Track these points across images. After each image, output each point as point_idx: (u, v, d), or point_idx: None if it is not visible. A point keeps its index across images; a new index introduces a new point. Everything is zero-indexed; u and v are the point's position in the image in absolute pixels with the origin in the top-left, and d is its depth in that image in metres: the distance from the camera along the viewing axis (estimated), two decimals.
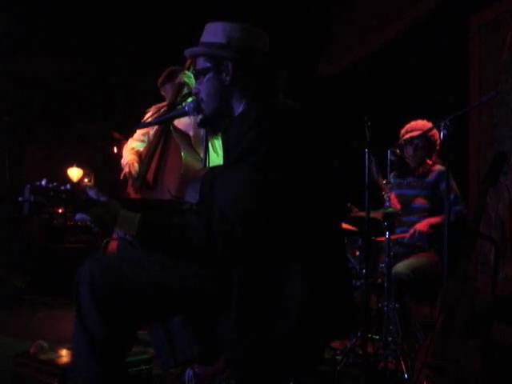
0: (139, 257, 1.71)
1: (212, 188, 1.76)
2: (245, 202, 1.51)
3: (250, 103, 1.74)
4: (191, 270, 1.64)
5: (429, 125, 3.39)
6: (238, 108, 1.76)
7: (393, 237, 3.20)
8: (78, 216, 1.61)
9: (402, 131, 3.50)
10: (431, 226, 3.26)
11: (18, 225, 5.81)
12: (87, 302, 1.58)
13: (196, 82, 1.84)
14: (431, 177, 3.44)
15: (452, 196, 3.23)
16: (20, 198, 1.54)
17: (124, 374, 1.68)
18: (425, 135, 3.37)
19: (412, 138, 3.37)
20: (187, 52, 1.83)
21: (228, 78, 1.73)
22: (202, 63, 1.78)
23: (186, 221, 1.59)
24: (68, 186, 1.58)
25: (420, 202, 3.43)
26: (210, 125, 1.87)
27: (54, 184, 1.57)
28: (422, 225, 3.27)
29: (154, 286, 1.63)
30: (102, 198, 1.62)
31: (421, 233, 3.24)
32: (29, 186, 1.54)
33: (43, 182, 1.56)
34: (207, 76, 1.76)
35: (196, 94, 1.84)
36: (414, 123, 3.48)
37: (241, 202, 1.51)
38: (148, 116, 3.61)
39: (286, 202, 1.57)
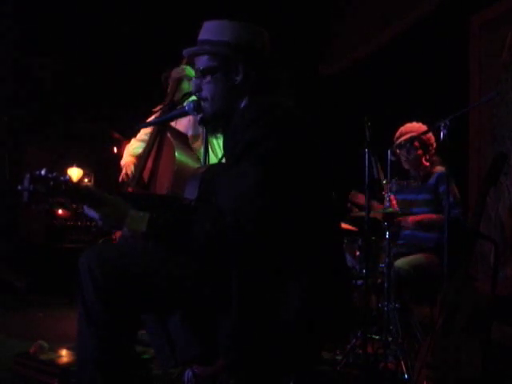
0: (137, 247, 1.71)
1: (214, 185, 1.76)
2: (251, 201, 1.51)
3: (252, 100, 1.73)
4: (192, 266, 1.64)
5: (423, 127, 3.40)
6: (240, 105, 1.75)
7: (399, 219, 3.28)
8: (89, 213, 1.61)
9: (397, 134, 3.50)
10: (419, 222, 3.30)
11: (17, 216, 5.80)
12: (90, 291, 1.59)
13: (196, 79, 1.81)
14: (432, 179, 3.44)
15: (451, 199, 3.24)
16: (19, 187, 1.52)
17: (132, 356, 1.68)
18: (417, 137, 3.37)
19: (406, 140, 3.38)
20: (188, 51, 1.80)
21: (238, 79, 1.72)
22: (205, 62, 1.75)
23: (194, 220, 1.58)
24: (67, 177, 1.57)
25: (419, 206, 3.42)
26: (212, 123, 1.85)
27: (54, 174, 1.55)
28: (411, 219, 3.33)
29: (152, 275, 1.63)
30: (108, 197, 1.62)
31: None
32: (28, 175, 1.52)
33: (43, 172, 1.54)
34: (214, 75, 1.74)
35: (197, 92, 1.82)
36: (408, 126, 3.48)
37: (247, 200, 1.51)
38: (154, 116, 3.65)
39: (289, 199, 1.57)
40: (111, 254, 1.67)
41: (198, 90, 1.81)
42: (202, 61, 1.77)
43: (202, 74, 1.77)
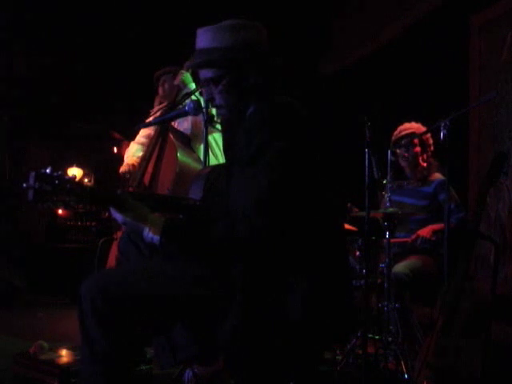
0: (138, 269, 1.70)
1: (219, 186, 1.77)
2: (265, 203, 1.52)
3: (259, 102, 1.72)
4: (192, 275, 1.63)
5: (423, 128, 3.40)
6: (249, 106, 1.75)
7: (394, 240, 3.20)
8: (114, 215, 1.62)
9: (395, 132, 3.50)
10: (434, 232, 3.25)
11: (17, 216, 5.81)
12: (89, 318, 1.57)
13: (207, 88, 1.78)
14: (429, 187, 3.43)
15: (453, 206, 3.23)
16: (24, 185, 1.52)
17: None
18: (417, 135, 3.37)
19: (406, 135, 3.38)
20: (193, 64, 1.77)
21: (251, 81, 1.71)
22: (214, 71, 1.72)
23: (209, 223, 1.57)
24: (72, 176, 1.58)
25: (418, 210, 3.41)
26: (228, 126, 1.85)
27: (59, 173, 1.56)
28: (425, 231, 3.25)
29: (154, 299, 1.62)
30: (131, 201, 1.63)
31: (424, 239, 3.23)
32: (34, 173, 1.51)
33: (48, 170, 1.54)
34: (225, 82, 1.72)
35: (210, 101, 1.80)
36: (407, 125, 3.48)
37: (261, 203, 1.52)
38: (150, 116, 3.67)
39: (299, 200, 1.58)
40: (111, 281, 1.63)
41: (210, 99, 1.78)
42: (210, 70, 1.73)
43: (213, 83, 1.74)
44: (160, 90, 3.81)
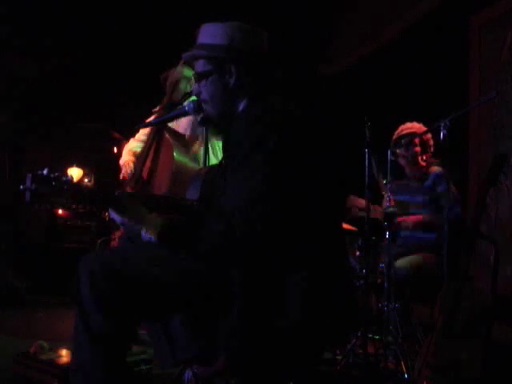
0: (139, 252, 1.70)
1: (215, 186, 1.77)
2: (260, 201, 1.52)
3: (251, 102, 1.75)
4: (193, 267, 1.64)
5: (423, 128, 3.41)
6: (239, 107, 1.77)
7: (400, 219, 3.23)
8: (112, 215, 1.63)
9: (397, 131, 3.51)
10: (416, 224, 3.28)
11: (17, 216, 5.81)
12: (87, 296, 1.56)
13: (196, 83, 1.83)
14: (428, 181, 3.44)
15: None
16: (21, 187, 1.52)
17: (126, 367, 1.67)
18: (418, 135, 3.38)
19: (407, 134, 3.39)
20: (186, 56, 1.82)
21: (232, 81, 1.74)
22: (202, 66, 1.78)
23: (206, 222, 1.58)
24: (69, 177, 1.58)
25: (417, 208, 3.42)
26: (213, 125, 1.87)
27: (56, 174, 1.56)
28: (409, 222, 3.28)
29: (154, 280, 1.61)
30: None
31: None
32: (30, 174, 1.52)
33: (45, 171, 1.54)
34: (210, 79, 1.76)
35: (197, 95, 1.84)
36: (408, 124, 3.49)
37: (256, 201, 1.52)
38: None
39: (294, 198, 1.58)
40: (113, 257, 1.64)
41: (198, 93, 1.83)
42: (199, 65, 1.79)
43: (198, 77, 1.79)
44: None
